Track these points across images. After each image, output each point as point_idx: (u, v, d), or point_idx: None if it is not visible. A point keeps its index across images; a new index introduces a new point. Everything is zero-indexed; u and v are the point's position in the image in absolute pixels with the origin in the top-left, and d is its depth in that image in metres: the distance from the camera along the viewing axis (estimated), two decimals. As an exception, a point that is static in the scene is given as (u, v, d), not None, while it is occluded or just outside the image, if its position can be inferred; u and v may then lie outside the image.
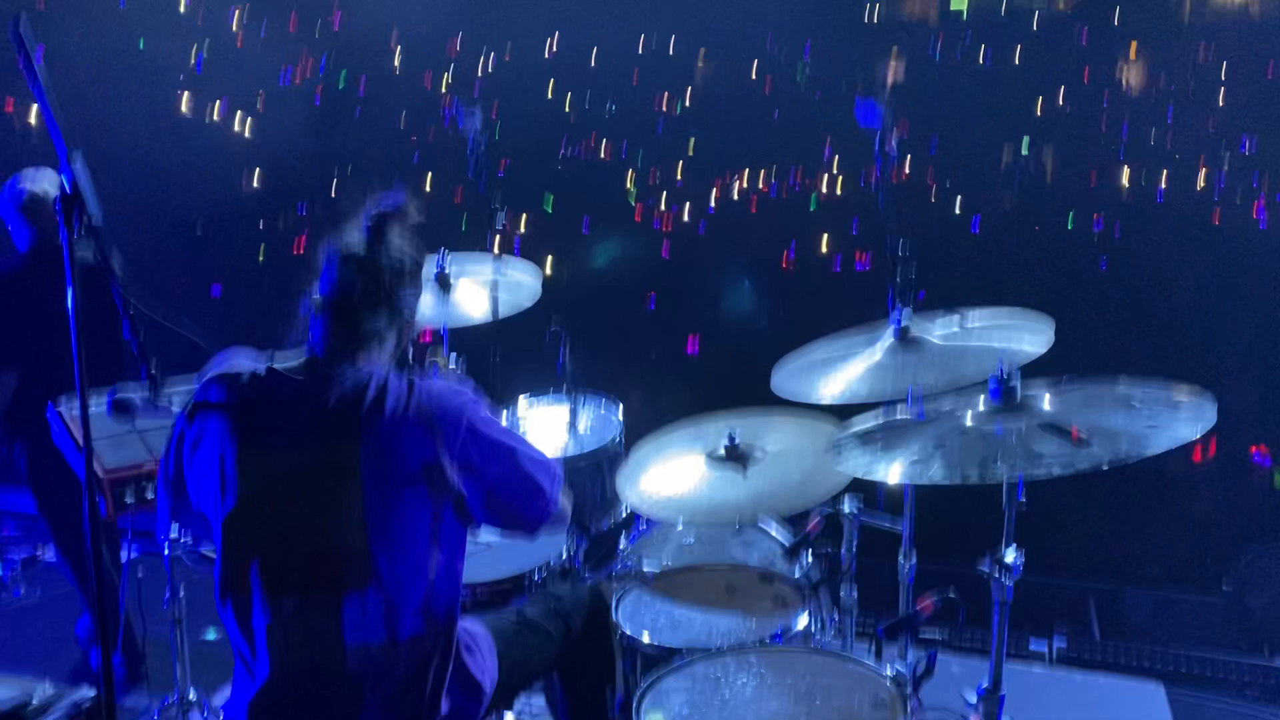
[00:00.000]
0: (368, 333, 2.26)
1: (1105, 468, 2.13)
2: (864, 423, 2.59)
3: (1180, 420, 2.22)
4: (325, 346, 2.25)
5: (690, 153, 6.40)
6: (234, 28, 6.66)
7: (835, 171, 6.26)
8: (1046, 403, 2.37)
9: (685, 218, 6.49)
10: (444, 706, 2.26)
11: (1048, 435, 2.25)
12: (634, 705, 2.38)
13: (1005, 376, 2.39)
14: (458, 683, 2.31)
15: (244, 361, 2.30)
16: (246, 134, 5.92)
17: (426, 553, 2.18)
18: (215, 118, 6.71)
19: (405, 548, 2.16)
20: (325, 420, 2.17)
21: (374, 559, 2.14)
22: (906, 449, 2.33)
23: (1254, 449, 4.97)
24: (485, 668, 2.41)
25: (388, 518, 2.14)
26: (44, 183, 4.11)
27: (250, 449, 2.19)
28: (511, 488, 2.30)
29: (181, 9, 6.76)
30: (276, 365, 2.26)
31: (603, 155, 6.38)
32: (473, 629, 2.46)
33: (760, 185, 6.37)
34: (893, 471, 2.30)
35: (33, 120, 6.39)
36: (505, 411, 3.75)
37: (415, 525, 2.16)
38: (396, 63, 6.73)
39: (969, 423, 2.36)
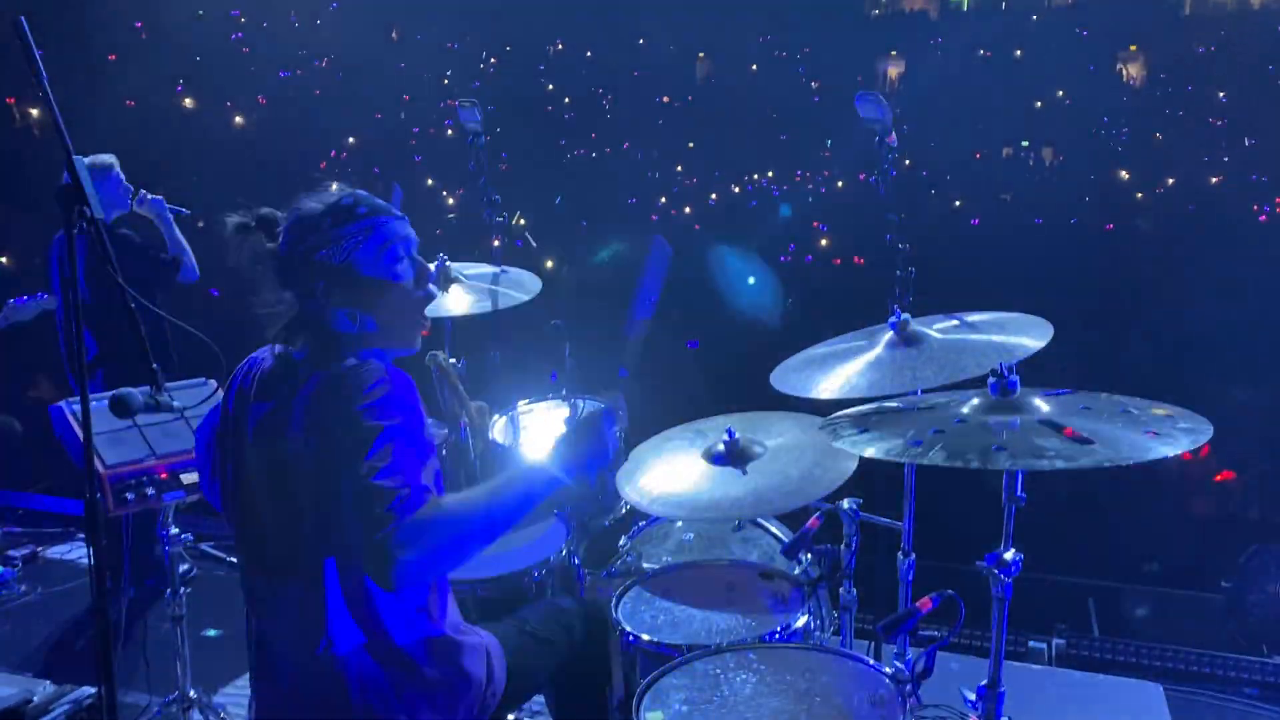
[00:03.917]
0: None
1: (1107, 465, 2.11)
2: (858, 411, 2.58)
3: (1179, 433, 2.22)
4: None
5: (690, 148, 6.40)
6: (235, 25, 6.67)
7: (835, 169, 6.27)
8: (1044, 406, 2.36)
9: (685, 215, 6.49)
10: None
11: (1048, 432, 2.24)
12: (633, 704, 2.39)
13: (1004, 374, 2.39)
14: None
15: None
16: (245, 130, 5.93)
17: None
18: (215, 113, 6.72)
19: None
20: None
21: None
22: (902, 432, 2.32)
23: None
24: (495, 677, 2.41)
25: None
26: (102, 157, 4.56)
27: None
28: None
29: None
30: None
31: (603, 156, 6.39)
32: (485, 640, 2.46)
33: (760, 183, 6.38)
34: (889, 451, 2.28)
35: (34, 115, 6.39)
36: (506, 413, 3.75)
37: None
38: (397, 60, 6.73)
39: (966, 412, 2.35)
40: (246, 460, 2.26)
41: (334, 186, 2.33)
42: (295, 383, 2.17)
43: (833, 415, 2.57)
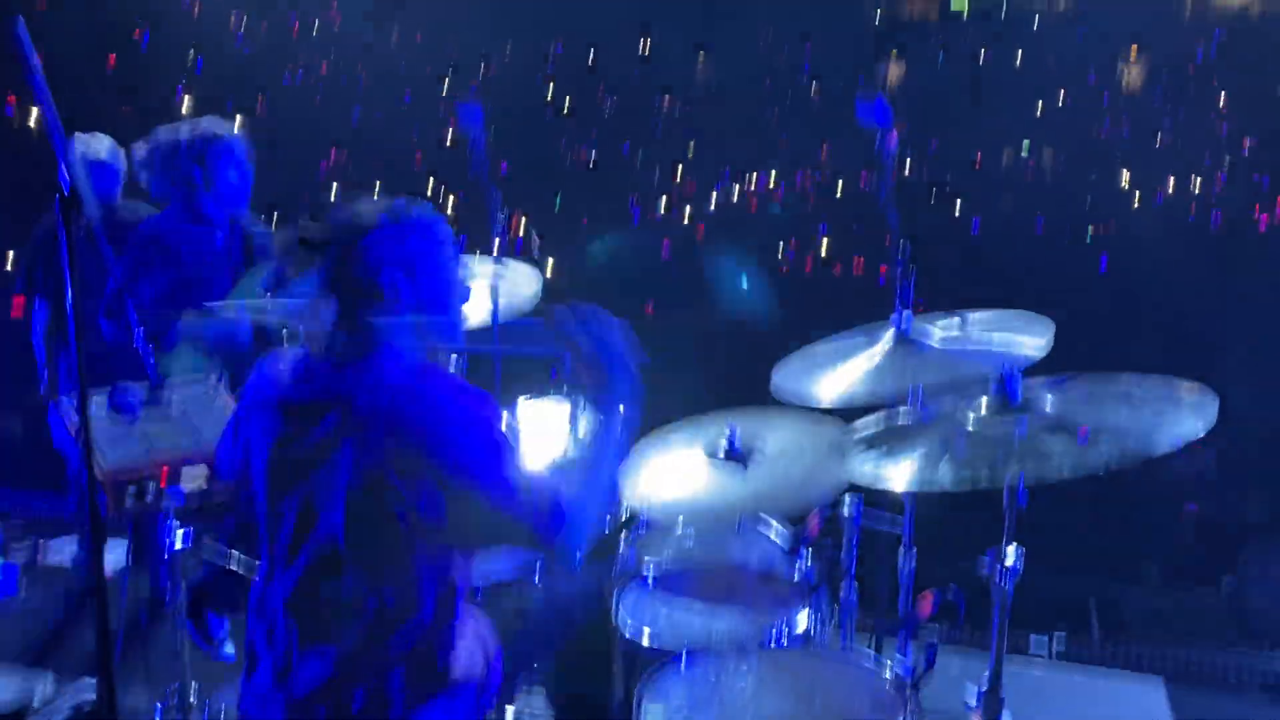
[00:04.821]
0: None
1: (1114, 467, 2.13)
2: (867, 426, 2.59)
3: (1184, 416, 2.22)
4: None
5: (690, 154, 6.40)
6: (234, 26, 6.67)
7: (834, 173, 6.26)
8: (1048, 404, 2.36)
9: (685, 220, 6.48)
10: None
11: (1055, 435, 2.24)
12: (633, 704, 2.39)
13: (1007, 376, 2.39)
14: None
15: None
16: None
17: None
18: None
19: None
20: None
21: None
22: (912, 452, 2.33)
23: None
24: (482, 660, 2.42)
25: None
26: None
27: None
28: None
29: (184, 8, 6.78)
30: None
31: (603, 157, 6.38)
32: (476, 623, 2.46)
33: (759, 187, 6.37)
34: (900, 476, 2.30)
35: (31, 123, 6.40)
36: (505, 411, 3.74)
37: None
38: (397, 61, 6.73)
39: (971, 426, 2.36)
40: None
41: (374, 194, 2.37)
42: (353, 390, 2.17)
43: (841, 440, 2.57)
